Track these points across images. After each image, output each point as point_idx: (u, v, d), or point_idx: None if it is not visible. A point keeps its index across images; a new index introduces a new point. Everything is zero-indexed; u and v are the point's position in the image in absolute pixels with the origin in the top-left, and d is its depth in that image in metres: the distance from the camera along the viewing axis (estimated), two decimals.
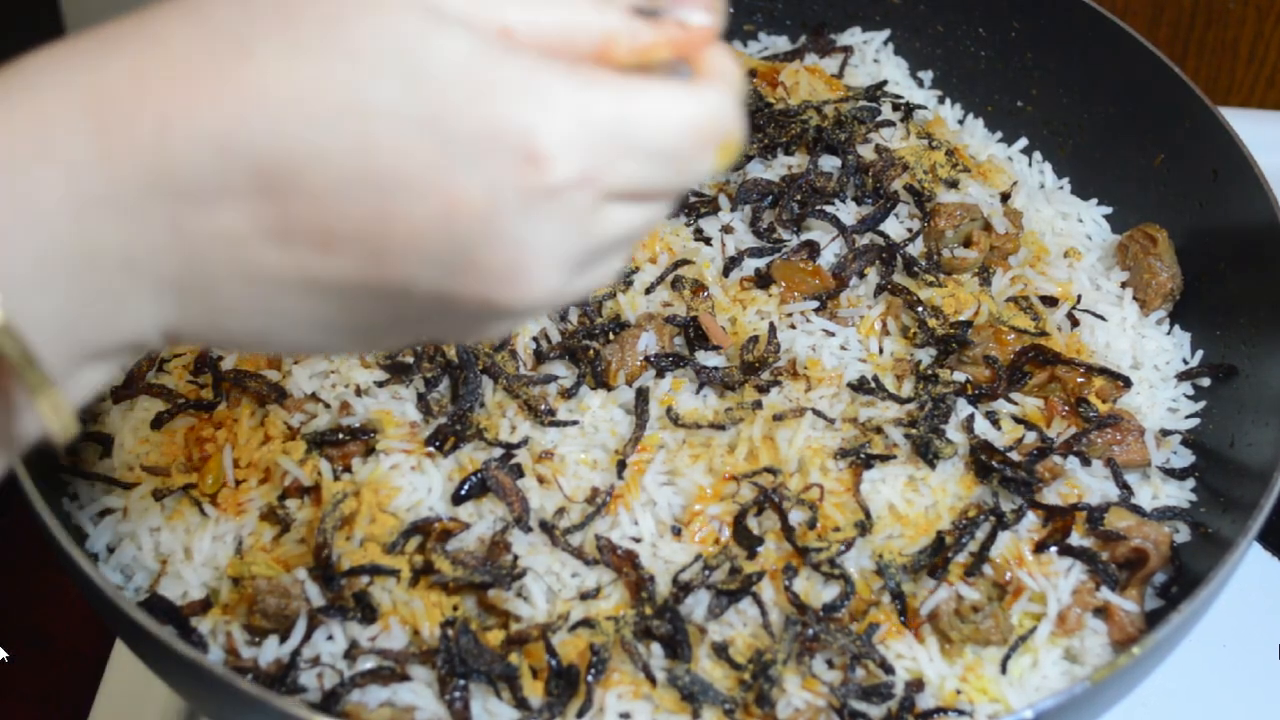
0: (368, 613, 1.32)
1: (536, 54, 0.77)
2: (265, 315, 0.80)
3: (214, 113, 0.74)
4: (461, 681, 1.27)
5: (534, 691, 1.29)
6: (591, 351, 1.47)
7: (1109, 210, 1.79)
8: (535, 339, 1.50)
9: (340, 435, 1.41)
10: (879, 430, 1.45)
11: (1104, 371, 1.54)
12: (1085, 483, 1.46)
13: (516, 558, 1.34)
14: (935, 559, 1.37)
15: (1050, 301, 1.61)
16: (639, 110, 0.79)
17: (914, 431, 1.45)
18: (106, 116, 0.74)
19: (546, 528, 1.35)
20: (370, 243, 0.76)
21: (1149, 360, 1.62)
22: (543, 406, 1.44)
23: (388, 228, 0.76)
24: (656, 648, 1.31)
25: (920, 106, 1.84)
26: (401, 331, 0.85)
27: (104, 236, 0.74)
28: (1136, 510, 1.45)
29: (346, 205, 0.75)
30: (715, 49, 0.84)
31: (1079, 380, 1.52)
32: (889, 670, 1.31)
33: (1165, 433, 1.55)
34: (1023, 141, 1.87)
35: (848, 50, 1.92)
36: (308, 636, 1.31)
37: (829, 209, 1.63)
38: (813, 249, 1.59)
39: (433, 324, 0.84)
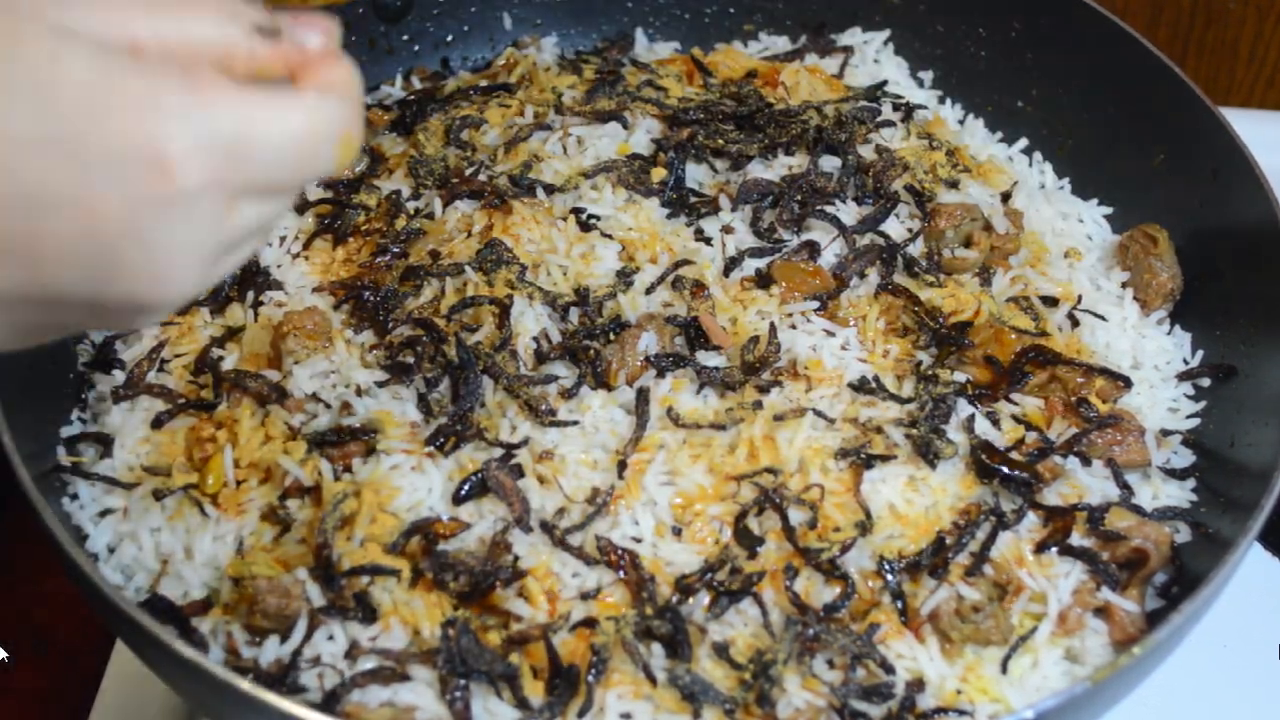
0: (368, 613, 1.32)
1: (163, 67, 0.85)
2: None
3: None
4: (462, 681, 1.27)
5: (534, 691, 1.29)
6: (592, 352, 1.47)
7: (1109, 210, 1.79)
8: (536, 339, 1.50)
9: (341, 435, 1.41)
10: (879, 430, 1.45)
11: (1104, 372, 1.54)
12: (1085, 483, 1.46)
13: (517, 558, 1.34)
14: (935, 559, 1.37)
15: (1051, 302, 1.61)
16: (256, 120, 0.87)
17: (914, 432, 1.45)
18: None
19: (547, 528, 1.35)
20: (23, 257, 0.84)
21: (1149, 360, 1.62)
22: (543, 407, 1.44)
23: (37, 243, 0.83)
24: (657, 648, 1.31)
25: (920, 106, 1.84)
26: (61, 328, 0.94)
27: None
28: (1137, 510, 1.45)
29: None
30: (330, 64, 0.93)
31: (1079, 380, 1.52)
32: (889, 670, 1.31)
33: (1165, 433, 1.55)
34: (1023, 141, 1.87)
35: (848, 50, 1.92)
36: (308, 636, 1.31)
37: (829, 209, 1.63)
38: (813, 249, 1.59)
39: (89, 320, 0.99)
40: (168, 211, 0.84)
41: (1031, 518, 1.42)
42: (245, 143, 0.87)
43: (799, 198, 1.63)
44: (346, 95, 0.93)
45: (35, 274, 0.85)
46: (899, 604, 1.35)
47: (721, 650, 1.31)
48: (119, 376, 1.53)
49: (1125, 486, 1.47)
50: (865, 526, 1.38)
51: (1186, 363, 1.64)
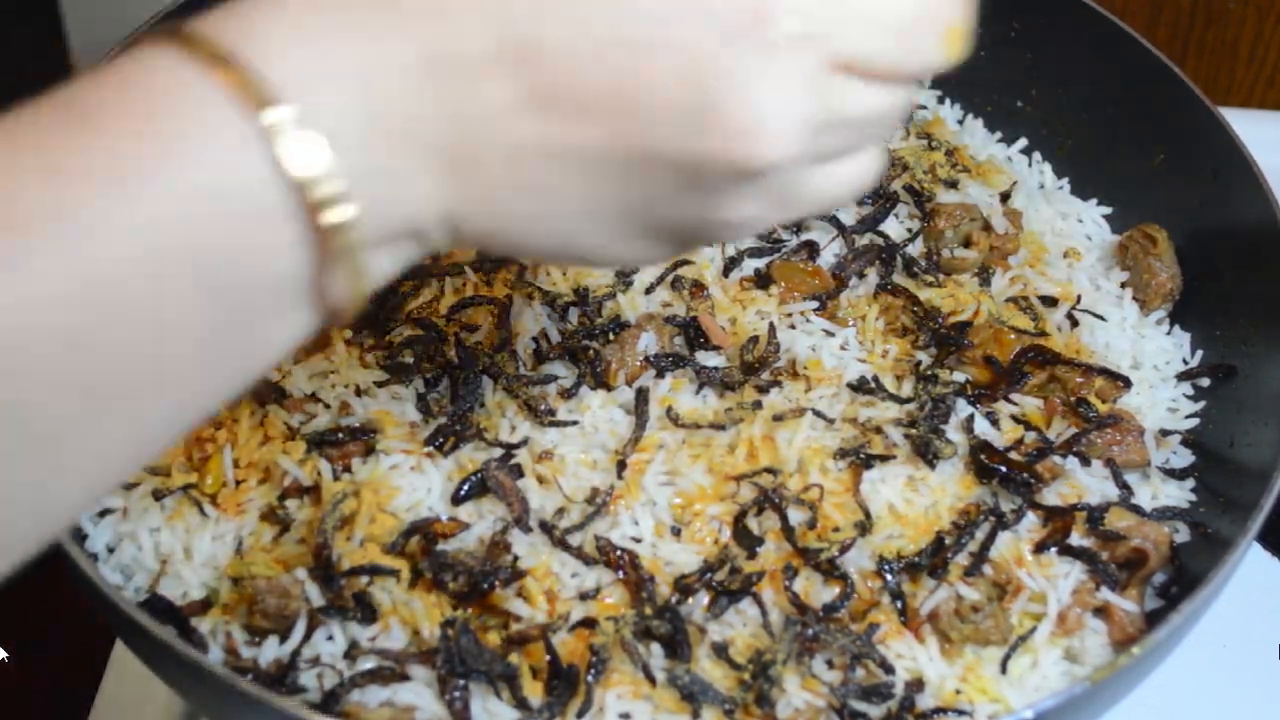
0: (368, 613, 1.32)
1: None
2: (532, 195, 0.83)
3: None
4: (461, 681, 1.28)
5: (534, 691, 1.29)
6: (591, 352, 1.47)
7: (1109, 210, 1.79)
8: (535, 339, 1.50)
9: (340, 435, 1.41)
10: (879, 430, 1.45)
11: (1104, 372, 1.54)
12: (1085, 483, 1.46)
13: (516, 558, 1.34)
14: (935, 559, 1.37)
15: (1050, 302, 1.61)
16: None
17: (914, 431, 1.45)
18: None
19: (546, 528, 1.36)
20: (619, 103, 0.80)
21: (1149, 360, 1.62)
22: (543, 406, 1.44)
23: (634, 89, 0.80)
24: (656, 648, 1.31)
25: (920, 106, 1.84)
26: (662, 218, 0.87)
27: (386, 105, 0.78)
28: (1136, 510, 1.45)
29: (597, 66, 0.79)
30: None
31: (1078, 380, 1.52)
32: (889, 670, 1.32)
33: (1165, 433, 1.55)
34: (1022, 142, 1.87)
35: None
36: (308, 636, 1.31)
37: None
38: (812, 249, 1.59)
39: (688, 203, 0.85)
40: (762, 60, 0.81)
41: (1031, 518, 1.42)
42: (852, 4, 0.83)
43: None
44: None
45: (627, 125, 0.81)
46: (898, 604, 1.35)
47: (721, 650, 1.31)
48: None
49: (1125, 486, 1.47)
50: (865, 526, 1.38)
51: (1186, 363, 1.64)
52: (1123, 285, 1.68)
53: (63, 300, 0.70)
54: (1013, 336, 1.54)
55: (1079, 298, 1.63)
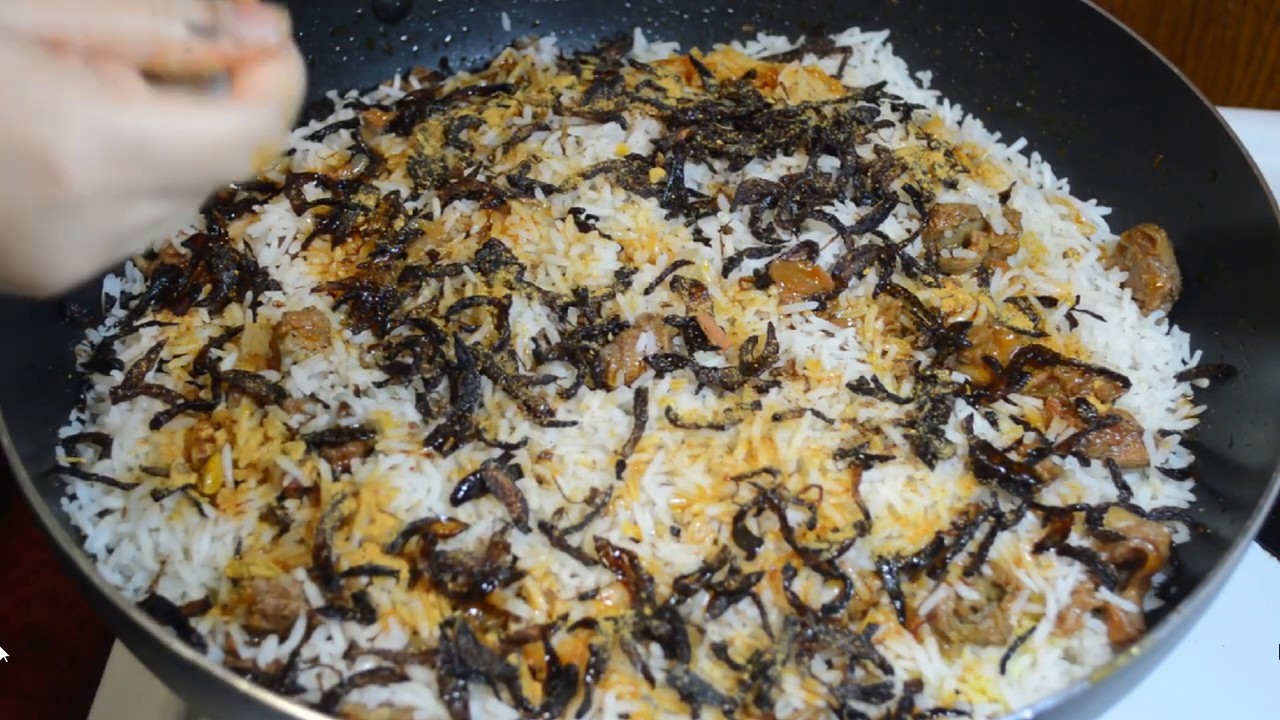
0: (367, 613, 1.32)
1: (75, 69, 0.87)
2: None
3: None
4: (460, 682, 1.27)
5: (533, 691, 1.29)
6: (591, 352, 1.47)
7: (1108, 210, 1.79)
8: (534, 340, 1.50)
9: (339, 436, 1.40)
10: (878, 430, 1.45)
11: (1103, 372, 1.54)
12: (1084, 483, 1.46)
13: (516, 558, 1.34)
14: (934, 559, 1.37)
15: (1049, 302, 1.61)
16: (161, 127, 0.90)
17: (913, 432, 1.45)
18: None
19: (545, 528, 1.36)
20: None
21: (1148, 361, 1.62)
22: (542, 407, 1.44)
23: None
24: (655, 648, 1.31)
25: (919, 106, 1.84)
26: None
27: None
28: (1136, 510, 1.45)
29: None
30: (269, 65, 0.96)
31: (1078, 381, 1.52)
32: (888, 670, 1.32)
33: (1164, 433, 1.55)
34: (1021, 142, 1.87)
35: (846, 51, 1.92)
36: (307, 637, 1.31)
37: (828, 209, 1.63)
38: (812, 249, 1.59)
39: None
40: (55, 213, 0.89)
41: (1030, 518, 1.42)
42: (146, 150, 0.90)
43: (797, 198, 1.63)
44: (274, 101, 0.96)
45: None
46: (897, 604, 1.35)
47: (720, 651, 1.31)
48: (117, 377, 1.53)
49: (1124, 487, 1.47)
50: (864, 527, 1.38)
51: (1185, 363, 1.64)
52: (1122, 285, 1.68)
53: None
54: (1012, 337, 1.54)
55: (1078, 298, 1.63)
